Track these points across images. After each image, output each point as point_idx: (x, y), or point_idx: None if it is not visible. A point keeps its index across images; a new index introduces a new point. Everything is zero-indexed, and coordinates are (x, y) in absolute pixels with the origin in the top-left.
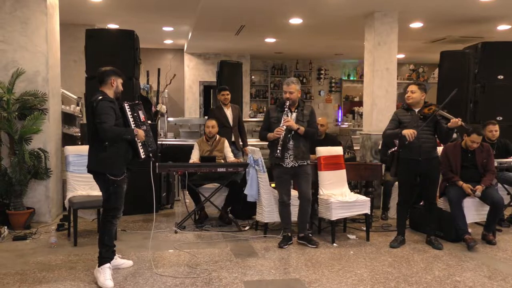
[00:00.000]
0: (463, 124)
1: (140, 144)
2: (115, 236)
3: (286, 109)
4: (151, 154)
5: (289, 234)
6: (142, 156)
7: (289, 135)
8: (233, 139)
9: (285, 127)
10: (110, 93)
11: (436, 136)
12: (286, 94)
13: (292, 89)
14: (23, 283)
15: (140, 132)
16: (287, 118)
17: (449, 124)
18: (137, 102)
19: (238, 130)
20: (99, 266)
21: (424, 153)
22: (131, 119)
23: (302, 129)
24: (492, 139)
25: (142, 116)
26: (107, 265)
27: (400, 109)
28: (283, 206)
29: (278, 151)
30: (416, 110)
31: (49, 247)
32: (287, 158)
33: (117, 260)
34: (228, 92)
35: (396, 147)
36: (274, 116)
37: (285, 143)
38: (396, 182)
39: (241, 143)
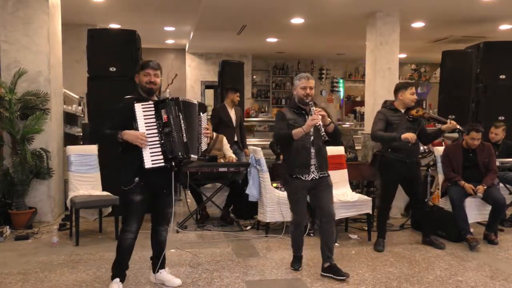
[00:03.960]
0: (460, 128)
1: (151, 150)
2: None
3: (311, 103)
4: (174, 163)
5: (301, 254)
6: (147, 166)
7: (310, 139)
8: (235, 139)
9: (320, 116)
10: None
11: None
12: (306, 90)
13: (312, 84)
14: (25, 282)
15: (130, 135)
16: (318, 109)
17: (443, 127)
18: (163, 99)
19: (239, 132)
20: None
21: (412, 156)
22: (140, 121)
23: (333, 125)
24: (492, 141)
25: (164, 116)
26: (116, 279)
27: (385, 109)
28: (298, 228)
29: (323, 136)
30: (403, 111)
31: (51, 246)
32: (309, 170)
33: (163, 275)
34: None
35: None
36: (291, 118)
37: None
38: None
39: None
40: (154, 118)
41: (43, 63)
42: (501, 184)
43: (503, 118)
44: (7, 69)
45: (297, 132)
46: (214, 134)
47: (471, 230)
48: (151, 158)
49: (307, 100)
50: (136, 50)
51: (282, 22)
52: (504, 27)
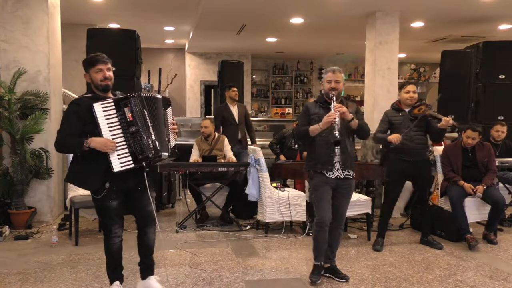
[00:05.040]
0: (455, 124)
1: (118, 152)
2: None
3: (333, 99)
4: (144, 163)
5: (322, 263)
6: (115, 170)
7: (336, 135)
8: (239, 136)
9: (338, 113)
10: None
11: (427, 136)
12: (331, 84)
13: (339, 78)
14: (25, 282)
15: (97, 142)
16: (338, 104)
17: (439, 124)
18: (124, 96)
19: (246, 128)
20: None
21: (416, 155)
22: (102, 123)
23: (356, 122)
24: (497, 139)
25: (128, 115)
26: (116, 283)
27: (390, 109)
28: (322, 229)
29: (337, 133)
30: (407, 110)
31: (51, 246)
32: (333, 167)
33: (151, 282)
34: (236, 88)
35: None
36: (316, 113)
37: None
38: None
39: (249, 140)
40: (116, 117)
41: (43, 62)
42: (500, 184)
43: (502, 118)
44: (6, 68)
45: (314, 129)
46: (216, 134)
47: (471, 229)
48: (119, 161)
49: (330, 95)
50: (135, 50)
51: (281, 22)
52: (503, 27)
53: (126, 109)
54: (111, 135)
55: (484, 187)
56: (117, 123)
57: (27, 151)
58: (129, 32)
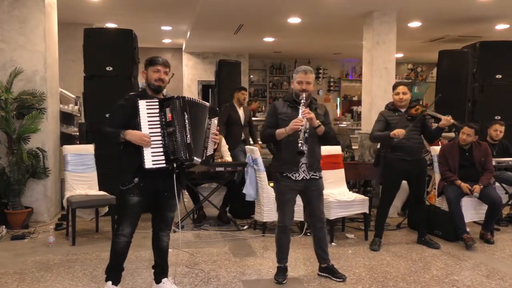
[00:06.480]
0: (456, 122)
1: (153, 150)
2: (121, 256)
3: (302, 101)
4: (175, 164)
5: (286, 265)
6: (147, 166)
7: (304, 136)
8: (243, 137)
9: (305, 119)
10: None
11: (422, 136)
12: (302, 85)
13: (311, 79)
14: (22, 282)
15: (133, 135)
16: (307, 110)
17: (440, 123)
18: (169, 97)
19: (249, 129)
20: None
21: (414, 154)
22: (144, 119)
23: (322, 128)
24: (496, 139)
25: (168, 115)
26: (108, 283)
27: (385, 110)
28: (284, 232)
29: (300, 144)
30: (403, 110)
31: (47, 246)
32: (299, 168)
33: (166, 285)
34: (246, 92)
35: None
36: (284, 113)
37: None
38: None
39: (251, 141)
40: (158, 116)
41: (40, 62)
42: (497, 184)
43: (499, 117)
44: (3, 68)
45: (280, 133)
46: None
47: (468, 229)
48: (152, 158)
49: (300, 98)
50: (132, 50)
51: (279, 22)
52: (500, 26)
53: (168, 109)
54: (150, 132)
55: (481, 186)
56: (157, 122)
57: (24, 151)
58: (126, 32)
